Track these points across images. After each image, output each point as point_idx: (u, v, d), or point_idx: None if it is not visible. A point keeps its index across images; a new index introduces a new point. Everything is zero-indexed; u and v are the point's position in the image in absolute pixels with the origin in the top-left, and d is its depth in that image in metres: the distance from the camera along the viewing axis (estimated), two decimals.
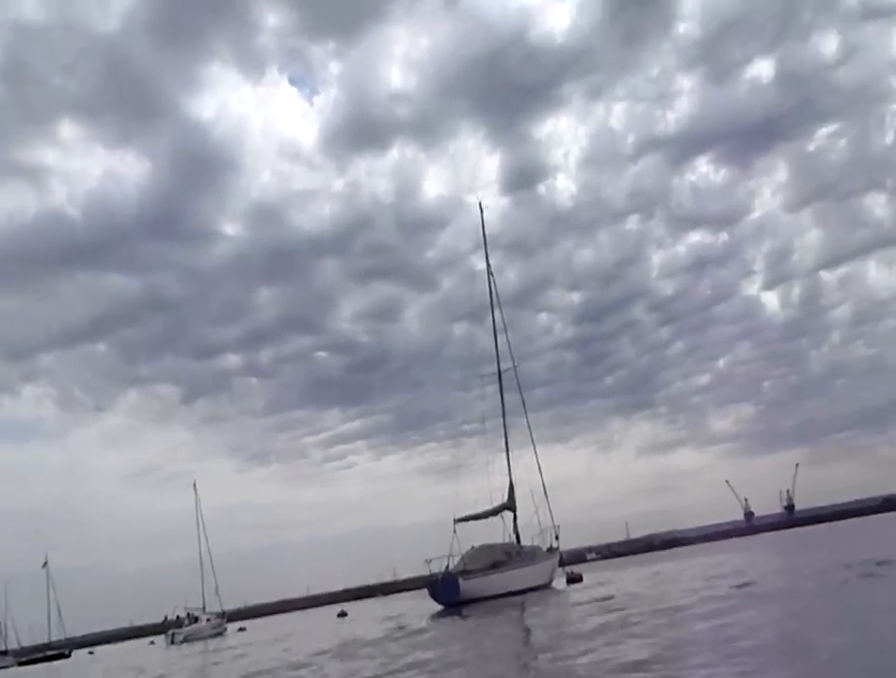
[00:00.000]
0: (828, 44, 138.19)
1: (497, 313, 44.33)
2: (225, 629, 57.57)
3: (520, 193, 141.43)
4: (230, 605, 70.76)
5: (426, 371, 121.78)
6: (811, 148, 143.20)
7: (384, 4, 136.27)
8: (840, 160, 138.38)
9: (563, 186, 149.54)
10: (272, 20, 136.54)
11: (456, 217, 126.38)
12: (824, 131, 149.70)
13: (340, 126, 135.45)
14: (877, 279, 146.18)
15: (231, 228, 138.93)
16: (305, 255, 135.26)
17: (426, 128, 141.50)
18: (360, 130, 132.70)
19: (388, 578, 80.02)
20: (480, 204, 46.58)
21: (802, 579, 22.60)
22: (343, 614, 48.79)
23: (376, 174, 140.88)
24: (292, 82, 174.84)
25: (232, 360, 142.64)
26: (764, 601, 17.45)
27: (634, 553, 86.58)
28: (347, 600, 72.77)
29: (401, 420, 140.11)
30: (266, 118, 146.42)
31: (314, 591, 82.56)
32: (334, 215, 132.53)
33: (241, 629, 57.90)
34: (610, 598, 24.53)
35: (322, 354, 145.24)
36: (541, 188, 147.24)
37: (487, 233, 46.05)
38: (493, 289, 44.48)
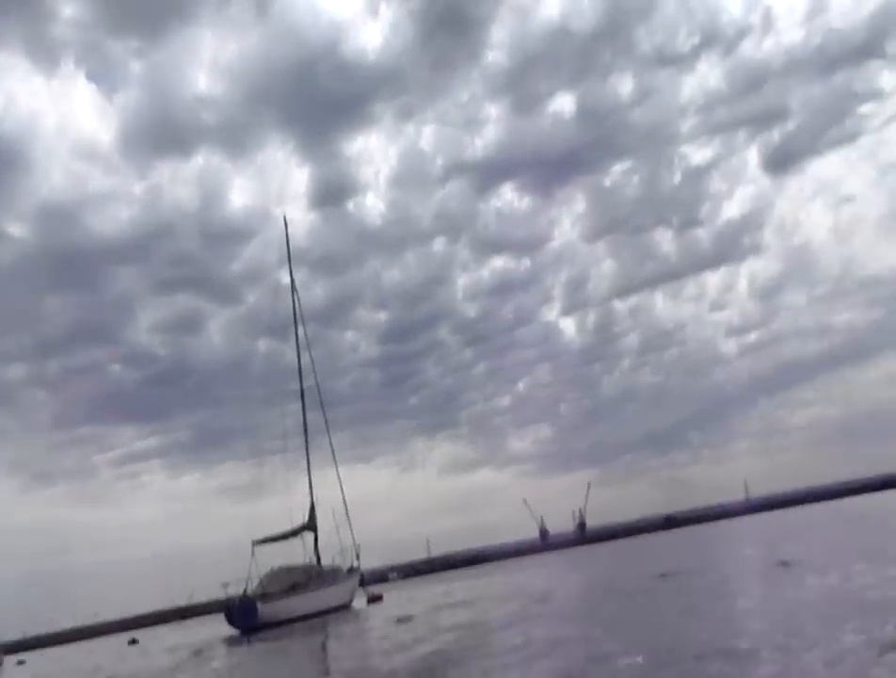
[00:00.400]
0: (625, 85, 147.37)
1: (301, 329, 44.00)
2: (1, 662, 53.45)
3: (328, 209, 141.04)
4: (9, 636, 65.86)
5: (229, 387, 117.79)
6: (607, 183, 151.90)
7: (191, 5, 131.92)
8: (632, 196, 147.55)
9: (372, 204, 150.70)
10: (68, 10, 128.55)
11: (263, 230, 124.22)
12: (619, 167, 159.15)
13: (141, 127, 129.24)
14: (663, 310, 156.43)
15: (17, 229, 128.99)
16: (100, 261, 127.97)
17: (233, 136, 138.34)
18: (163, 133, 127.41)
19: (184, 603, 76.81)
20: (285, 218, 46.39)
21: (592, 592, 24.04)
22: (133, 642, 46.51)
23: (178, 181, 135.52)
24: (90, 77, 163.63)
25: (16, 370, 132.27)
26: (555, 613, 18.48)
27: (436, 571, 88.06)
28: (141, 626, 69.25)
29: (201, 437, 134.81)
30: (61, 113, 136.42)
31: (104, 618, 77.88)
32: (133, 220, 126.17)
33: (20, 662, 53.92)
34: (409, 618, 25.07)
35: (116, 367, 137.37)
36: (350, 205, 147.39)
37: (294, 247, 45.70)
38: (297, 305, 44.19)
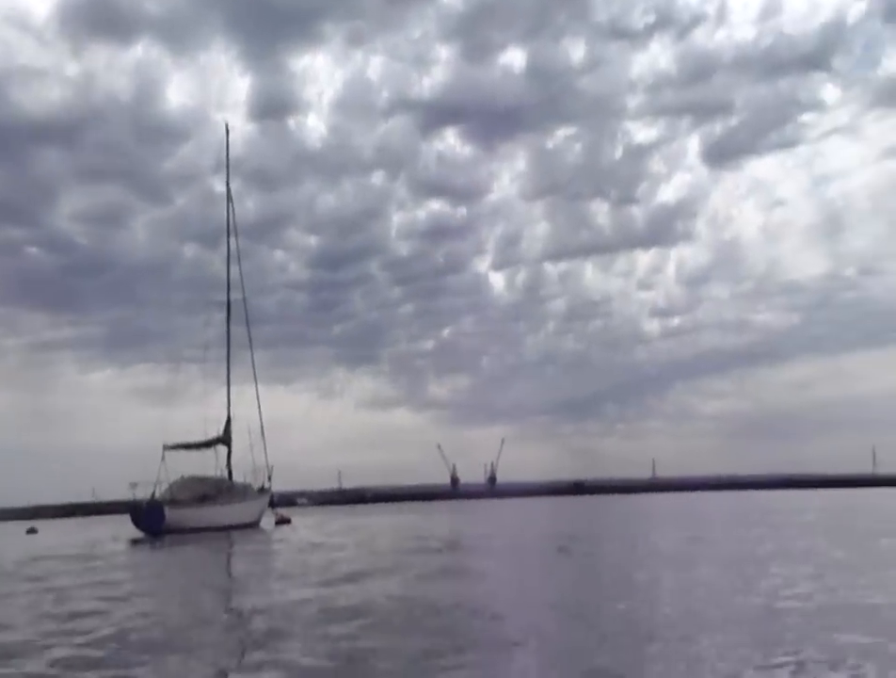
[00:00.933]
0: (577, 51, 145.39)
1: (233, 241, 43.33)
2: None
3: (268, 122, 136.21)
4: None
5: (150, 288, 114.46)
6: (550, 145, 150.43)
7: None
8: (573, 163, 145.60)
9: (313, 126, 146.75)
10: None
11: (198, 134, 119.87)
12: (563, 132, 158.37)
13: (79, 4, 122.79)
14: (592, 280, 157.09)
15: None
16: (25, 139, 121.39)
17: (176, 31, 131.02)
18: (102, 14, 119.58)
19: (87, 499, 76.05)
20: (227, 126, 45.15)
21: (501, 543, 24.60)
22: (32, 530, 46.15)
23: (115, 68, 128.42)
24: None
25: None
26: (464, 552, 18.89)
27: (345, 503, 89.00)
28: (40, 517, 68.52)
29: (116, 335, 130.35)
30: None
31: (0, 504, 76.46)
32: (65, 101, 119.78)
33: None
34: (321, 544, 25.40)
35: (33, 250, 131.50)
36: (291, 123, 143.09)
37: (230, 156, 44.88)
38: (231, 216, 43.32)
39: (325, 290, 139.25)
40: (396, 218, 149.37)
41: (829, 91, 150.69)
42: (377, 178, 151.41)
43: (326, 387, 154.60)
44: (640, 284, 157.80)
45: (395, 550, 21.96)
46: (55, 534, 43.18)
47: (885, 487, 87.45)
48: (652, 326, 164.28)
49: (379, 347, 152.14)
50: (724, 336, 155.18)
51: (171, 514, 35.44)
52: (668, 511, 45.59)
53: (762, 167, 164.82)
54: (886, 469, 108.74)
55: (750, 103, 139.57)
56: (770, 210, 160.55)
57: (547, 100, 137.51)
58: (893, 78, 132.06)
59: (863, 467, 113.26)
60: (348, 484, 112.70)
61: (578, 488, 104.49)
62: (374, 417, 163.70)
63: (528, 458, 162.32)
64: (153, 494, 36.96)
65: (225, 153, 44.14)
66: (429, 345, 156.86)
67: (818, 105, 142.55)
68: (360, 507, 78.90)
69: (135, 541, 31.33)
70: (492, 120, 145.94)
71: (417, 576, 14.79)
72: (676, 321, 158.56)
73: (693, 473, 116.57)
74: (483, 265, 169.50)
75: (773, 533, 23.99)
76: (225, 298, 42.63)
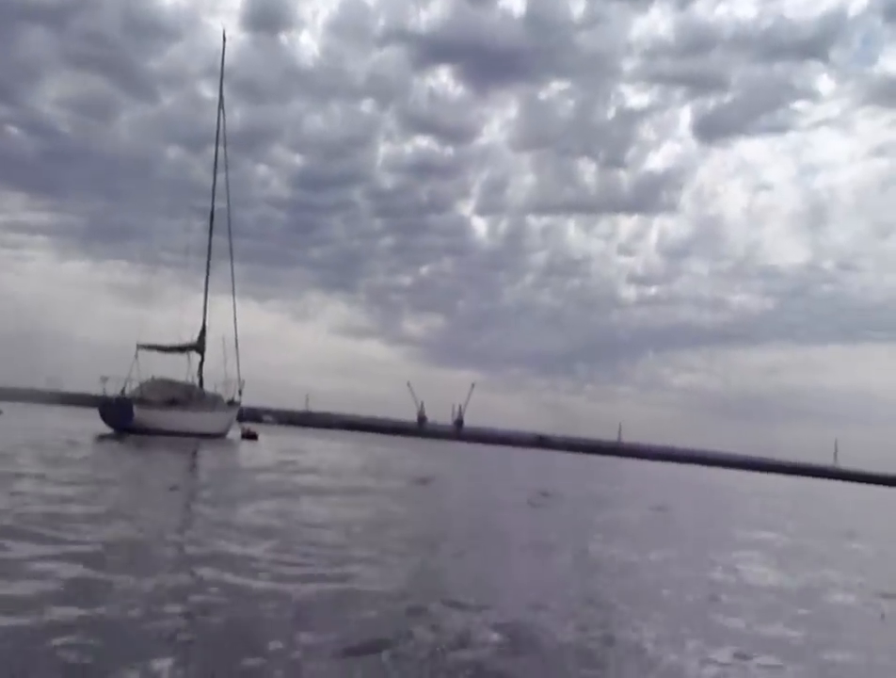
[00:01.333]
0: (577, 5, 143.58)
1: (221, 149, 41.97)
2: None
3: (261, 34, 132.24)
4: None
5: (131, 185, 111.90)
6: (543, 97, 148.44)
7: None
8: (565, 118, 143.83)
9: (306, 44, 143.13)
10: None
11: (191, 35, 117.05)
12: (557, 86, 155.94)
13: None
14: (574, 239, 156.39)
15: None
16: (12, 16, 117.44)
17: None
18: None
19: (53, 387, 75.17)
20: (224, 32, 43.95)
21: (481, 487, 24.45)
22: None
23: None
24: None
25: None
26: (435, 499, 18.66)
27: (311, 426, 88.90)
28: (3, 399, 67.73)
29: (94, 227, 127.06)
30: None
31: None
32: None
33: None
34: (293, 462, 25.13)
35: (14, 130, 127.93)
36: (283, 38, 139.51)
37: (219, 63, 43.30)
38: (222, 124, 42.13)
39: (305, 211, 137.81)
40: (383, 149, 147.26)
41: (824, 82, 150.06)
42: (367, 106, 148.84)
43: (300, 309, 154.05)
44: (621, 249, 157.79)
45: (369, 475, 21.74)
46: (20, 419, 42.51)
47: (844, 481, 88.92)
48: (629, 292, 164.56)
49: (357, 275, 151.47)
50: (699, 312, 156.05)
51: (140, 413, 34.96)
52: (638, 479, 45.85)
53: (751, 148, 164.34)
54: (846, 463, 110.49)
55: (745, 82, 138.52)
56: (755, 192, 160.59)
57: (543, 50, 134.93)
58: (889, 77, 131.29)
59: (824, 459, 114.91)
60: (315, 408, 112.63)
61: (542, 442, 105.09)
62: (346, 345, 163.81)
63: (496, 406, 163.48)
64: (123, 391, 36.43)
65: (221, 62, 43.14)
66: (407, 280, 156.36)
67: (811, 95, 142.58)
68: (326, 431, 78.81)
69: (103, 436, 30.88)
70: (487, 63, 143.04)
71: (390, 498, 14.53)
72: (653, 290, 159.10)
73: (656, 442, 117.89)
74: (467, 208, 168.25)
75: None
76: (207, 206, 41.67)
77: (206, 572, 7.56)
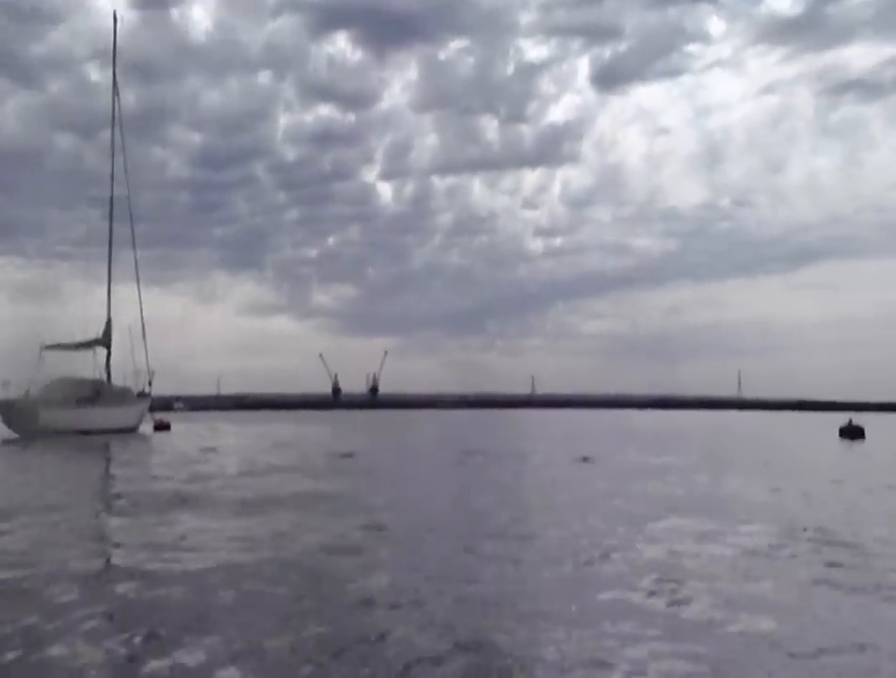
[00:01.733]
0: None
1: (117, 133, 40.31)
2: None
3: (150, 11, 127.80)
4: None
5: (21, 177, 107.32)
6: (442, 56, 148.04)
7: None
8: (465, 76, 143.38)
9: (198, 19, 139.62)
10: None
11: (75, 18, 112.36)
12: (456, 44, 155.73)
13: None
14: (479, 196, 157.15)
15: None
16: None
17: None
18: None
19: None
20: (115, 13, 42.01)
21: (404, 456, 24.50)
22: None
23: None
24: None
25: None
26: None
27: (224, 409, 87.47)
28: None
29: None
30: None
31: None
32: None
33: None
34: (212, 449, 24.68)
35: None
36: (174, 13, 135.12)
37: (108, 44, 41.67)
38: (117, 107, 40.49)
39: (207, 190, 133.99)
40: (283, 121, 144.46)
41: (715, 24, 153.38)
42: (264, 78, 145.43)
43: (206, 291, 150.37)
44: (526, 203, 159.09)
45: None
46: None
47: (748, 409, 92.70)
48: (536, 245, 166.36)
49: (263, 252, 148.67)
50: (604, 259, 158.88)
51: (46, 415, 33.70)
52: (549, 428, 46.75)
53: (648, 94, 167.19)
54: (749, 393, 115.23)
55: (639, 29, 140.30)
56: (653, 137, 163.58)
57: (440, 9, 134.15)
58: (776, 15, 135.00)
59: (729, 390, 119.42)
60: (228, 390, 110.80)
61: (460, 402, 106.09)
62: (255, 323, 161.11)
63: (411, 370, 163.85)
64: (27, 393, 35.03)
65: (113, 44, 41.38)
66: (314, 252, 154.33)
67: (703, 37, 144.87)
68: (239, 413, 77.71)
69: (6, 441, 29.72)
70: (384, 26, 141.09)
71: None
72: (559, 241, 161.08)
73: (570, 391, 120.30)
74: (371, 174, 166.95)
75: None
76: (102, 194, 40.11)
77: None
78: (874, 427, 38.45)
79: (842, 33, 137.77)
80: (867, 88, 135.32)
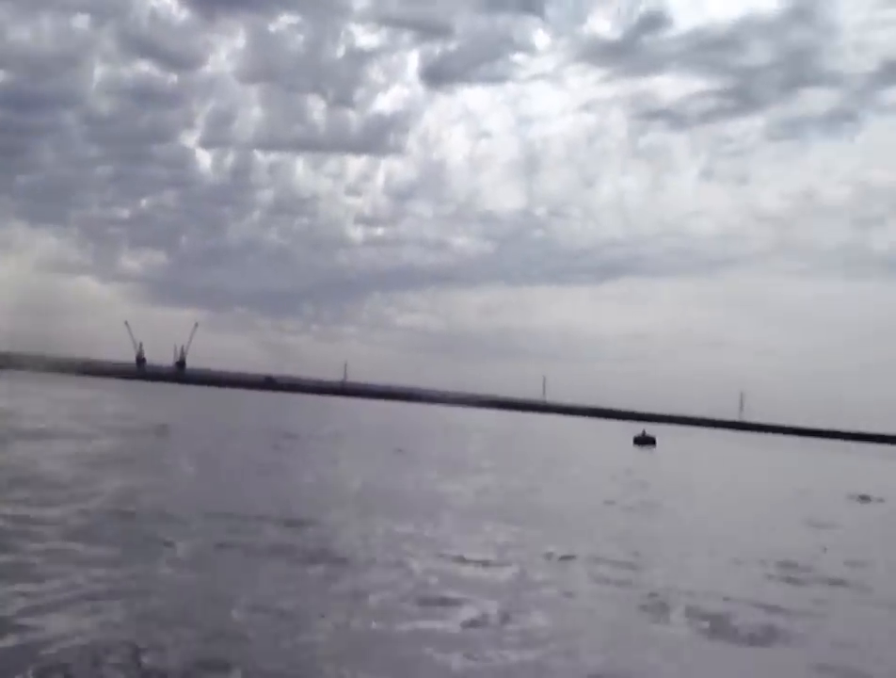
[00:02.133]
0: None
1: None
2: None
3: None
4: None
5: None
6: (272, 29, 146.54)
7: None
8: (294, 52, 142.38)
9: None
10: None
11: None
12: (287, 19, 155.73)
13: None
14: (302, 177, 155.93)
15: None
16: None
17: None
18: None
19: None
20: None
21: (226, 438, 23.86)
22: None
23: None
24: None
25: None
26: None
27: (13, 369, 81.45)
28: None
29: None
30: None
31: None
32: None
33: None
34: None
35: None
36: None
37: None
38: None
39: (10, 133, 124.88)
40: (99, 71, 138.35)
41: (540, 37, 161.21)
42: (81, 22, 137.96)
43: (3, 242, 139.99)
44: (349, 189, 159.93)
45: None
46: None
47: (552, 413, 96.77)
48: (357, 232, 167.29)
49: (68, 206, 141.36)
50: (423, 254, 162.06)
51: None
52: (368, 419, 47.02)
53: (474, 96, 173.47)
54: (553, 397, 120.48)
55: (469, 31, 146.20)
56: (476, 140, 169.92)
57: None
58: (597, 37, 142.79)
59: (534, 393, 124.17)
60: (18, 349, 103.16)
61: (269, 383, 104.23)
62: (55, 281, 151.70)
63: (221, 346, 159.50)
64: None
65: None
66: (125, 213, 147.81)
67: (529, 48, 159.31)
68: (32, 375, 72.43)
69: None
70: None
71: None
72: (379, 231, 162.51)
73: (382, 381, 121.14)
74: (191, 139, 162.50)
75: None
76: None
77: None
78: (664, 437, 42.29)
79: (655, 63, 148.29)
80: (674, 117, 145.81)
